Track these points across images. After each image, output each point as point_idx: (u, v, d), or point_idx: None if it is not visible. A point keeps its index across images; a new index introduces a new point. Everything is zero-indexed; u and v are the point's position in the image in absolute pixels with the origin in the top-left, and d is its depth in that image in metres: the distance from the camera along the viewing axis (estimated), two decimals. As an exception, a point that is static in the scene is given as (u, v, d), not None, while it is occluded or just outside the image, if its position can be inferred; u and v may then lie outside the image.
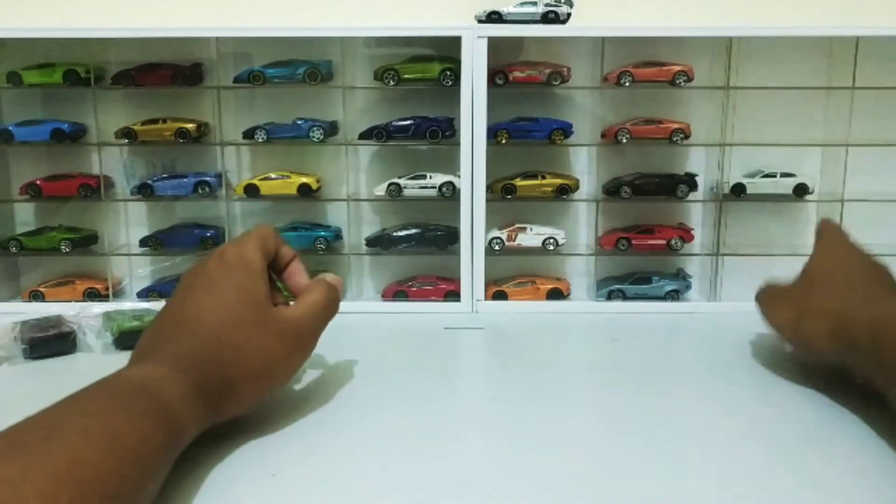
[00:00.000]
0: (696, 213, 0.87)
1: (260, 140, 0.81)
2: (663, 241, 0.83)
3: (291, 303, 0.52)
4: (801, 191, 0.81)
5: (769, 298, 0.62)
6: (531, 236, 0.83)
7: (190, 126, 0.81)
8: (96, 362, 0.64)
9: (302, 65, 0.80)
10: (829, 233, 0.62)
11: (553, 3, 0.77)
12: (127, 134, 0.81)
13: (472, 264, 0.80)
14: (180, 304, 0.48)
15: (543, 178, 0.82)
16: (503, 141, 0.79)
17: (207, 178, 0.83)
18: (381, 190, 0.82)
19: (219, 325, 0.46)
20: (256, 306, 0.47)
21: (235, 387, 0.45)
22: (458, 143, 0.77)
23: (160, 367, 0.43)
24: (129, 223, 0.87)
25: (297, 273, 0.54)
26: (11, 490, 0.30)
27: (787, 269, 0.64)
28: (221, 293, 0.47)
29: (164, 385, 0.41)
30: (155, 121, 0.82)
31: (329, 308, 0.51)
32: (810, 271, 0.59)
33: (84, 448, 0.34)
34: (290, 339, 0.48)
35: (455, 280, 0.82)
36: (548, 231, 0.83)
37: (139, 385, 0.41)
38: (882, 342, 0.47)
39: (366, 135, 0.81)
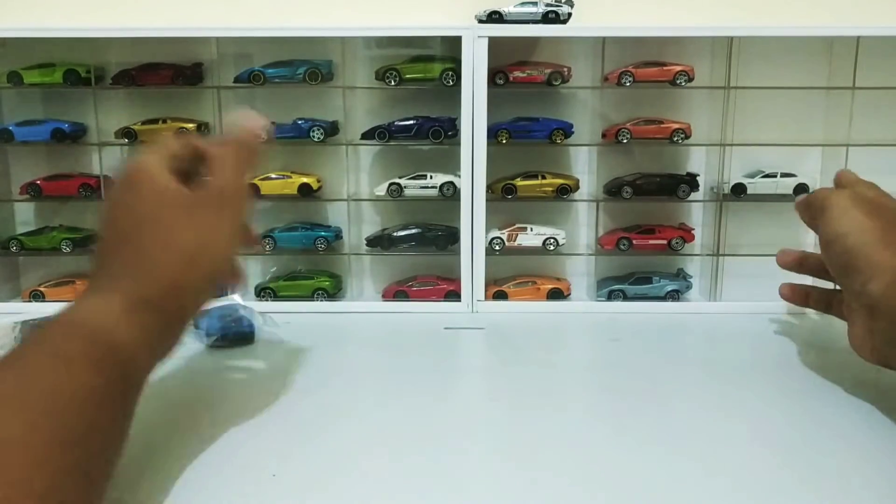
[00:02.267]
0: (697, 214, 0.87)
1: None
2: (664, 242, 0.83)
3: None
4: (801, 191, 0.81)
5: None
6: (531, 236, 0.83)
7: (190, 126, 0.81)
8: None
9: (302, 65, 0.80)
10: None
11: (553, 3, 0.77)
12: (127, 134, 0.81)
13: (472, 264, 0.80)
14: (112, 229, 0.46)
15: (544, 178, 0.82)
16: (503, 141, 0.79)
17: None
18: (381, 190, 0.82)
19: (146, 233, 0.44)
20: (170, 204, 0.45)
21: (175, 280, 0.44)
22: (458, 143, 0.77)
23: (93, 297, 0.42)
24: (130, 223, 0.87)
25: (209, 155, 0.50)
26: None
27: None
28: (140, 208, 0.45)
29: (97, 312, 0.41)
30: (155, 121, 0.82)
31: (241, 154, 0.49)
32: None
33: (22, 414, 0.33)
34: (213, 216, 0.46)
35: (455, 280, 0.82)
36: (548, 231, 0.83)
37: (73, 323, 0.40)
38: None
39: (368, 135, 0.81)
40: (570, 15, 0.77)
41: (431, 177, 0.81)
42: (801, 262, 0.64)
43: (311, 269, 0.86)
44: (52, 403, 0.35)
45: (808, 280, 0.65)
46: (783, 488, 0.41)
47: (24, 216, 0.87)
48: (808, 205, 0.57)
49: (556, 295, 0.83)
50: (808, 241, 0.86)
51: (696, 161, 0.85)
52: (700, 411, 0.53)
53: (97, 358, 0.38)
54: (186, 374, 0.60)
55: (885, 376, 0.52)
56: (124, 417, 0.39)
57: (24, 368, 0.36)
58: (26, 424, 0.33)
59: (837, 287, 0.57)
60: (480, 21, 0.77)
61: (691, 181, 0.82)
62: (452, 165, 0.80)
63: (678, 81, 0.79)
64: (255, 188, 0.82)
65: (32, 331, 0.40)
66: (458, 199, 0.79)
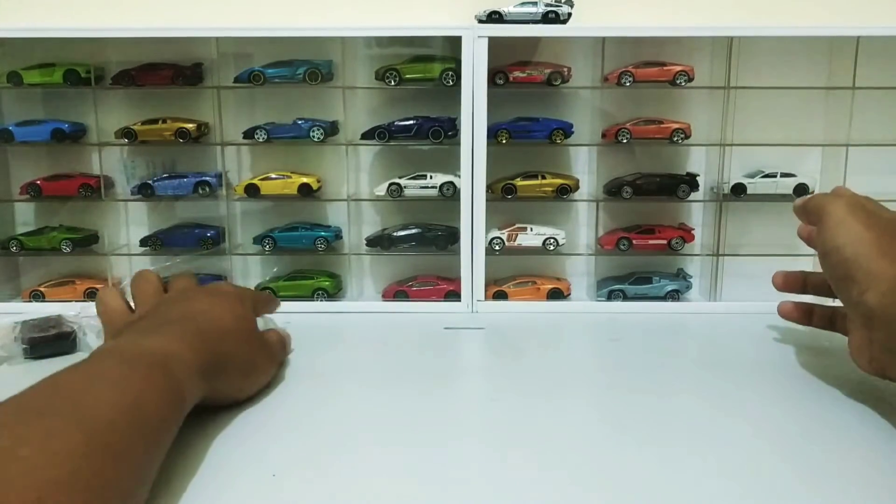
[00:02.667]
0: (697, 214, 0.87)
1: (260, 140, 0.81)
2: (664, 242, 0.83)
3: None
4: (801, 191, 0.81)
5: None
6: (531, 236, 0.83)
7: (190, 126, 0.81)
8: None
9: (302, 65, 0.80)
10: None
11: (553, 3, 0.77)
12: (127, 134, 0.81)
13: (472, 264, 0.80)
14: (183, 301, 0.55)
15: (544, 178, 0.82)
16: (503, 141, 0.79)
17: (207, 178, 0.83)
18: (381, 190, 0.82)
19: (222, 325, 0.52)
20: (249, 324, 0.56)
21: (228, 377, 0.51)
22: (458, 143, 0.77)
23: (174, 344, 0.46)
24: (130, 223, 0.87)
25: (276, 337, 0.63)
26: (46, 443, 0.32)
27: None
28: (220, 307, 0.54)
29: (176, 362, 0.45)
30: (155, 121, 0.82)
31: (286, 348, 0.63)
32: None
33: (111, 413, 0.37)
34: (268, 357, 0.57)
35: (455, 280, 0.82)
36: (548, 231, 0.83)
37: (159, 360, 0.44)
38: None
39: (368, 135, 0.81)
40: (569, 15, 0.77)
41: (431, 177, 0.81)
42: (803, 284, 0.63)
43: (311, 269, 0.86)
44: (138, 413, 0.39)
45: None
46: (784, 488, 0.41)
47: (24, 216, 0.87)
48: (807, 211, 0.57)
49: (556, 295, 0.83)
50: (808, 241, 0.86)
51: (696, 161, 0.85)
52: (700, 411, 0.53)
53: (168, 386, 0.43)
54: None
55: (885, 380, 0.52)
56: (172, 439, 0.43)
57: (110, 376, 0.41)
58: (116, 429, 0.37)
59: (839, 303, 0.57)
60: (480, 21, 0.77)
61: (691, 181, 0.82)
62: (452, 165, 0.80)
63: (678, 81, 0.79)
64: (255, 188, 0.82)
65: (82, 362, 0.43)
66: (458, 199, 0.79)
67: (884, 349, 0.49)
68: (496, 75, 0.78)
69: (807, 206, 0.57)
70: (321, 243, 0.83)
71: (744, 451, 0.46)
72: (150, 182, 0.82)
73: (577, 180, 0.83)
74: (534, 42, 0.82)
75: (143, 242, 0.85)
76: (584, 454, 0.46)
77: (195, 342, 0.48)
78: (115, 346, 0.46)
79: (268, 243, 0.84)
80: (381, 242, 0.84)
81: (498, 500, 0.41)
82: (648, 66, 0.79)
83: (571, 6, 0.78)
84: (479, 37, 0.74)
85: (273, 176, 0.83)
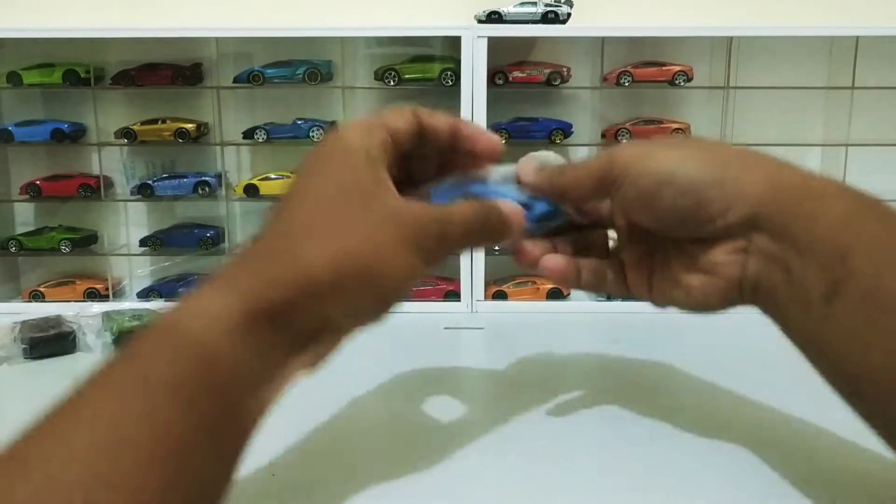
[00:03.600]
0: (696, 213, 0.87)
1: (260, 140, 0.81)
2: (663, 241, 0.83)
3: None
4: (801, 191, 0.81)
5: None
6: (531, 236, 0.83)
7: (190, 126, 0.81)
8: (96, 362, 0.64)
9: (302, 65, 0.80)
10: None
11: (553, 3, 0.77)
12: (127, 134, 0.81)
13: (471, 264, 0.80)
14: (270, 220, 0.34)
15: (543, 178, 0.82)
16: (503, 141, 0.79)
17: (207, 178, 0.83)
18: (381, 190, 0.82)
19: (302, 219, 0.33)
20: (358, 199, 0.33)
21: (319, 292, 0.31)
22: (458, 143, 0.77)
23: (202, 296, 0.30)
24: (129, 223, 0.87)
25: (475, 139, 0.40)
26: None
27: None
28: (313, 191, 0.34)
29: (199, 320, 0.29)
30: (155, 121, 0.82)
31: (474, 224, 0.37)
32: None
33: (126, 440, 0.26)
34: (405, 238, 0.33)
35: (455, 280, 0.81)
36: (548, 231, 0.83)
37: (168, 334, 0.29)
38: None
39: (366, 135, 0.81)
40: (569, 15, 0.77)
41: (431, 177, 0.81)
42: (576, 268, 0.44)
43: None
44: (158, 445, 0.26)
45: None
46: (784, 487, 0.41)
47: (24, 216, 0.87)
48: (596, 175, 0.40)
49: (556, 295, 0.83)
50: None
51: (696, 161, 0.85)
52: (701, 411, 0.53)
53: (185, 387, 0.28)
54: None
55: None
56: (221, 459, 0.29)
57: (106, 392, 0.28)
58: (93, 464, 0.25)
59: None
60: (480, 21, 0.77)
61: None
62: (452, 165, 0.80)
63: (677, 81, 0.79)
64: (255, 188, 0.82)
65: (134, 334, 0.30)
66: (458, 199, 0.79)
67: (767, 257, 0.37)
68: (496, 75, 0.78)
69: (593, 170, 0.40)
70: (321, 243, 0.83)
71: (744, 450, 0.46)
72: (149, 182, 0.82)
73: (577, 180, 0.83)
74: (533, 42, 0.82)
75: (143, 242, 0.85)
76: (583, 454, 0.46)
77: (263, 288, 0.30)
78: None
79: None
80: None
81: (497, 500, 0.41)
82: (648, 66, 0.79)
83: (571, 6, 0.78)
84: (478, 37, 0.74)
85: (273, 176, 0.83)
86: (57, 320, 0.67)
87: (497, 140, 0.41)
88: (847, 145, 0.80)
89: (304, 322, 0.32)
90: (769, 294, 0.38)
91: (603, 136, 0.82)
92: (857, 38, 0.77)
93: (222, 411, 0.29)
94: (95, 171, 0.84)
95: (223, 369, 0.29)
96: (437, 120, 0.40)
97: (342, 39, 0.81)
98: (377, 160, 0.35)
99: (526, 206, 0.42)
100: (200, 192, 0.83)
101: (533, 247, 0.43)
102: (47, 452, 0.25)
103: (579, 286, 0.45)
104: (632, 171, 0.39)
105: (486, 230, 0.38)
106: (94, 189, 0.83)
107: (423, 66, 0.79)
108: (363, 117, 0.38)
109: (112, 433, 0.26)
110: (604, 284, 0.45)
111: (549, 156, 0.45)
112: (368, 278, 0.32)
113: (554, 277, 0.44)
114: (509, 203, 0.40)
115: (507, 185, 0.43)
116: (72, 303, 0.81)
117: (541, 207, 0.43)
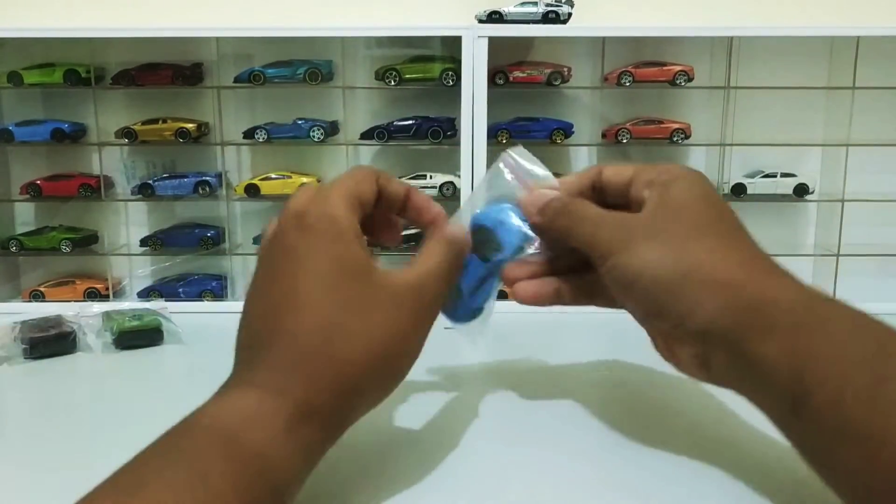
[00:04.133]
0: (697, 214, 0.87)
1: (260, 140, 0.81)
2: (663, 241, 0.83)
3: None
4: (801, 191, 0.81)
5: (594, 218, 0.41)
6: (531, 236, 0.83)
7: (190, 126, 0.81)
8: (96, 362, 0.64)
9: (302, 65, 0.80)
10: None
11: (553, 3, 0.77)
12: (127, 134, 0.81)
13: (472, 264, 0.80)
14: (267, 295, 0.37)
15: (544, 178, 0.82)
16: (503, 141, 0.79)
17: (207, 178, 0.83)
18: (381, 190, 0.82)
19: (322, 313, 0.35)
20: (360, 277, 0.36)
21: (356, 387, 0.35)
22: (458, 143, 0.77)
23: (249, 397, 0.33)
24: (129, 223, 0.87)
25: (422, 210, 0.43)
26: None
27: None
28: (314, 270, 0.36)
29: (254, 425, 0.32)
30: (155, 121, 0.82)
31: (450, 267, 0.41)
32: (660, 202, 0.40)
33: None
34: (411, 310, 0.38)
35: (455, 280, 0.81)
36: (548, 231, 0.83)
37: (221, 435, 0.32)
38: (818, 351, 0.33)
39: (367, 135, 0.81)
40: (570, 15, 0.77)
41: (431, 177, 0.81)
42: (556, 291, 0.46)
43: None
44: None
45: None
46: (784, 485, 0.41)
47: (24, 216, 0.87)
48: (589, 243, 0.41)
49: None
50: (809, 243, 0.86)
51: (696, 161, 0.85)
52: (702, 410, 0.53)
53: (244, 484, 0.30)
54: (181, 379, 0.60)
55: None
56: None
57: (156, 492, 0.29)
58: None
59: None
60: (480, 21, 0.77)
61: (691, 181, 0.81)
62: (452, 165, 0.80)
63: (678, 81, 0.79)
64: (255, 188, 0.82)
65: (162, 437, 0.32)
66: (458, 199, 0.79)
67: (729, 370, 0.38)
68: (496, 75, 0.78)
69: (594, 236, 0.41)
70: (321, 243, 0.83)
71: (744, 449, 0.46)
72: (150, 182, 0.82)
73: (577, 180, 0.83)
74: (534, 42, 0.82)
75: (143, 242, 0.85)
76: (585, 454, 0.46)
77: (288, 373, 0.34)
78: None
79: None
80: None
81: (497, 500, 0.41)
82: (648, 66, 0.79)
83: (571, 6, 0.78)
84: (479, 37, 0.74)
85: (273, 176, 0.83)
86: (57, 320, 0.67)
87: (440, 211, 0.44)
88: (847, 145, 0.80)
89: (342, 417, 0.36)
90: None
91: (603, 135, 0.82)
92: (858, 38, 0.77)
93: (271, 501, 0.32)
94: (96, 170, 0.84)
95: (276, 470, 0.32)
96: (395, 187, 0.42)
97: (343, 39, 0.81)
98: (361, 235, 0.38)
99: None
100: (201, 191, 0.83)
101: (512, 270, 0.45)
102: None
103: (562, 303, 0.47)
104: (610, 259, 0.40)
105: (459, 267, 0.42)
106: (95, 189, 0.83)
107: (423, 66, 0.79)
108: (337, 181, 0.39)
109: None
110: (592, 300, 0.47)
111: (534, 169, 0.47)
112: (395, 360, 0.38)
113: (526, 303, 0.45)
114: (458, 228, 0.43)
115: (506, 209, 0.46)
116: (72, 303, 0.81)
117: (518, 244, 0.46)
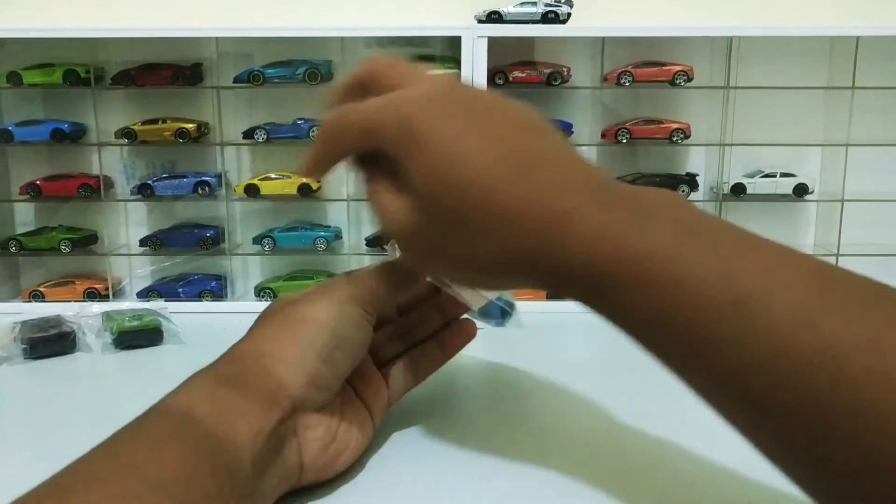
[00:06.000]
0: (696, 214, 0.87)
1: (260, 140, 0.81)
2: (663, 241, 0.83)
3: None
4: (801, 191, 0.81)
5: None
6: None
7: (190, 126, 0.81)
8: (96, 362, 0.64)
9: (302, 65, 0.80)
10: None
11: (553, 3, 0.77)
12: (127, 134, 0.81)
13: (472, 264, 0.80)
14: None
15: (543, 178, 0.82)
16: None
17: (207, 178, 0.83)
18: (381, 190, 0.82)
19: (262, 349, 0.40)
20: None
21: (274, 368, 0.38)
22: (458, 143, 0.77)
23: (205, 384, 0.37)
24: (129, 223, 0.87)
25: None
26: None
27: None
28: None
29: (188, 399, 0.36)
30: (155, 121, 0.82)
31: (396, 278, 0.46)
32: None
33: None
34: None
35: (455, 280, 0.81)
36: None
37: (180, 414, 0.35)
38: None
39: (366, 135, 0.81)
40: (569, 15, 0.77)
41: (431, 177, 0.81)
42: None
43: (311, 269, 0.86)
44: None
45: None
46: (784, 484, 0.41)
47: (24, 216, 0.87)
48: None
49: (556, 295, 0.83)
50: (808, 243, 0.86)
51: (696, 161, 0.85)
52: (702, 409, 0.53)
53: (202, 445, 0.33)
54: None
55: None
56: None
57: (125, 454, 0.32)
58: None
59: None
60: (480, 21, 0.77)
61: (691, 181, 0.82)
62: (452, 165, 0.80)
63: (678, 81, 0.79)
64: (255, 188, 0.82)
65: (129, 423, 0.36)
66: (458, 199, 0.79)
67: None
68: (496, 75, 0.78)
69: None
70: (321, 243, 0.83)
71: (744, 448, 0.46)
72: (149, 182, 0.82)
73: (577, 180, 0.83)
74: (533, 42, 0.82)
75: (143, 242, 0.85)
76: (585, 454, 0.46)
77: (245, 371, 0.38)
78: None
79: (268, 243, 0.84)
80: (380, 242, 0.84)
81: (497, 500, 0.41)
82: (648, 66, 0.79)
83: (571, 6, 0.78)
84: (478, 37, 0.74)
85: (273, 176, 0.83)
86: (57, 320, 0.67)
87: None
88: (847, 145, 0.80)
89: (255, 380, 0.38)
90: None
91: (603, 135, 0.82)
92: (858, 38, 0.77)
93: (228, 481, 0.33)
94: (95, 171, 0.84)
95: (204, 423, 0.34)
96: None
97: (342, 39, 0.81)
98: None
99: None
100: (200, 192, 0.83)
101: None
102: None
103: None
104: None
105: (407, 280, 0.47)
106: (94, 189, 0.83)
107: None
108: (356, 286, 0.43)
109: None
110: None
111: None
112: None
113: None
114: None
115: None
116: (72, 303, 0.81)
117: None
